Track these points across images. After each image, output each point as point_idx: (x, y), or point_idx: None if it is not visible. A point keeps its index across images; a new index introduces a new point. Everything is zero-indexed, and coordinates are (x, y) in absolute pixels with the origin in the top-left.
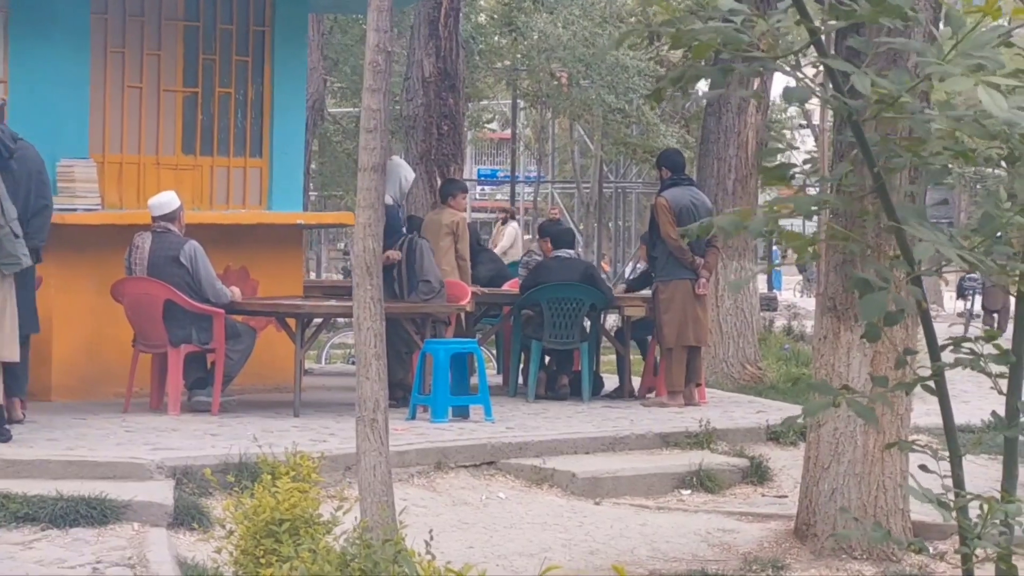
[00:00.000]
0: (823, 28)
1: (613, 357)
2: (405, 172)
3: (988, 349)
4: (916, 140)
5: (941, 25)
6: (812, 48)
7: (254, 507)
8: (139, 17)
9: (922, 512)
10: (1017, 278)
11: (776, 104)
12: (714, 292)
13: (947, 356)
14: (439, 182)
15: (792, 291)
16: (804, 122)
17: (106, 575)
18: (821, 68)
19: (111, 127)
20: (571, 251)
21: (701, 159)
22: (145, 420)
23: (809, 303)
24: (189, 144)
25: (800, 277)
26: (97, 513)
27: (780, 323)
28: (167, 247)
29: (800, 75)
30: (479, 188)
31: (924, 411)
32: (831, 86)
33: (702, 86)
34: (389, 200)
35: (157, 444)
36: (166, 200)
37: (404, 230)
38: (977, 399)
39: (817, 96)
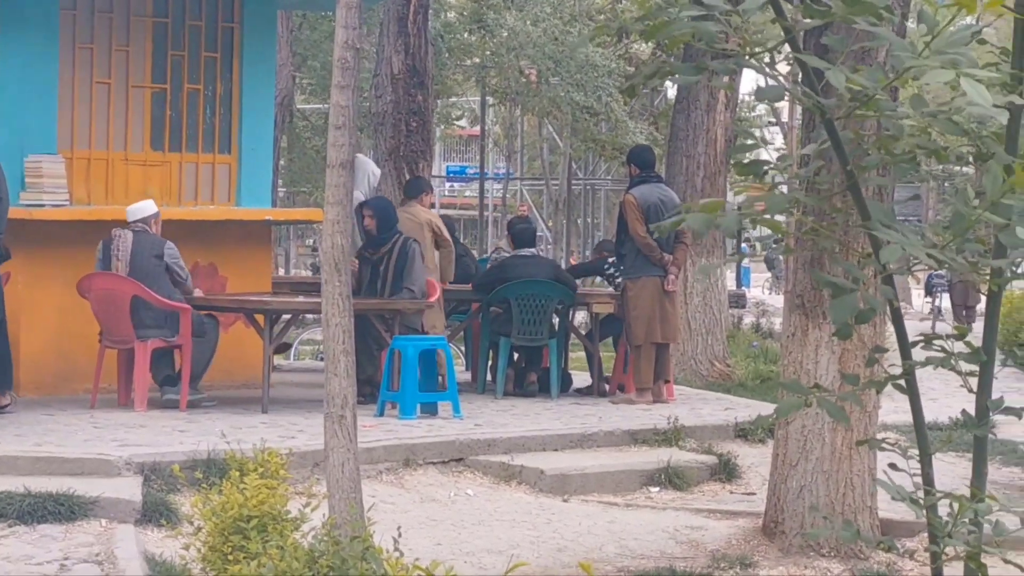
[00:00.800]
0: (797, 26)
1: (583, 354)
2: (372, 168)
3: (959, 347)
4: (888, 138)
5: (910, 23)
6: (784, 45)
7: (222, 504)
8: (108, 13)
9: (890, 510)
10: (987, 276)
11: (745, 101)
12: (683, 289)
13: (917, 354)
14: (408, 179)
15: (761, 288)
16: (773, 119)
17: (74, 572)
18: (793, 65)
19: (79, 123)
20: (532, 249)
21: (670, 156)
22: (113, 416)
23: (778, 300)
24: (158, 140)
25: (769, 274)
26: (65, 509)
27: (749, 320)
28: (149, 244)
29: (773, 72)
30: (448, 184)
31: (892, 408)
32: (804, 84)
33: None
34: (359, 196)
35: (125, 440)
36: (142, 206)
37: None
38: (944, 396)
39: (790, 94)
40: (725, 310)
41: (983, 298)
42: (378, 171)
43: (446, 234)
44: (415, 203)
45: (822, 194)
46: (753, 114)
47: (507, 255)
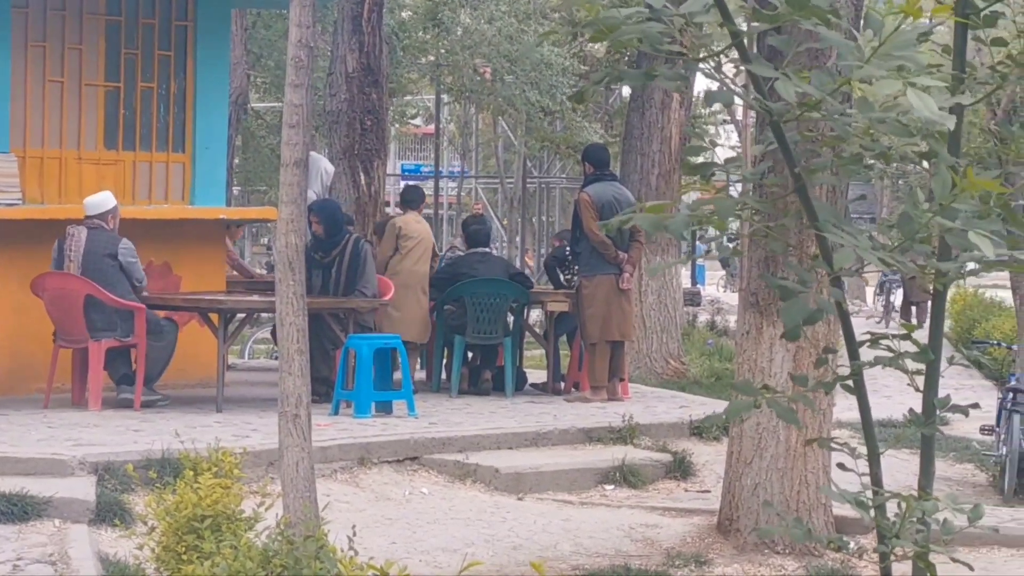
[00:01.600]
0: (746, 31)
1: (538, 352)
2: (325, 165)
3: (906, 346)
4: (836, 139)
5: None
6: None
7: (176, 503)
8: (60, 11)
9: (845, 507)
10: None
11: (700, 99)
12: (638, 287)
13: (866, 353)
14: (362, 177)
15: (716, 286)
16: (727, 118)
17: (27, 572)
18: (743, 68)
19: (32, 121)
20: (486, 249)
21: (624, 155)
22: (67, 416)
23: (732, 298)
24: (111, 139)
25: (723, 272)
26: (18, 510)
27: (704, 318)
28: (103, 242)
29: (722, 76)
30: (403, 183)
31: (847, 405)
32: (753, 87)
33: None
34: (313, 195)
35: (79, 440)
36: (101, 200)
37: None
38: (899, 394)
39: (739, 98)
40: (680, 308)
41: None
42: (332, 169)
43: None
44: (414, 212)
45: (771, 196)
46: (708, 111)
47: (461, 254)
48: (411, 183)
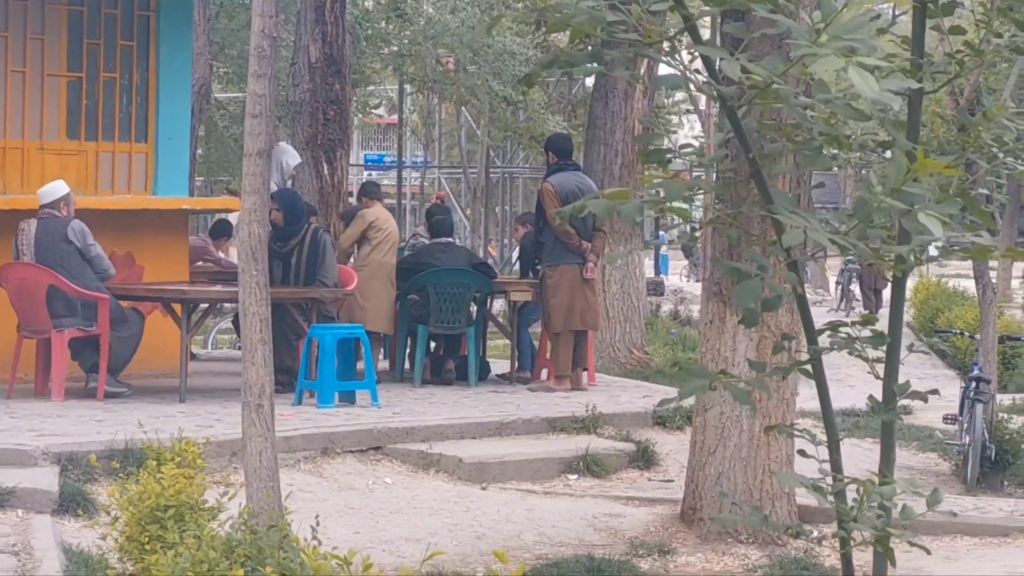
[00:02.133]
0: (696, 14)
1: (503, 342)
2: (288, 157)
3: (864, 332)
4: (792, 127)
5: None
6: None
7: (139, 493)
8: (22, 1)
9: (808, 496)
10: (891, 263)
11: (663, 89)
12: (601, 277)
13: (825, 341)
14: (325, 167)
15: (679, 276)
16: (691, 107)
17: None
18: (696, 54)
19: None
20: (449, 239)
21: (588, 145)
22: (30, 406)
23: (695, 288)
24: (74, 129)
25: (687, 262)
26: None
27: (667, 308)
28: (53, 228)
29: (675, 60)
30: (366, 173)
31: (811, 395)
32: (707, 72)
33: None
34: (273, 186)
35: (42, 430)
36: (52, 188)
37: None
38: (862, 383)
39: (690, 82)
40: (643, 298)
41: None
42: (296, 160)
43: None
44: (376, 203)
45: (727, 182)
46: (671, 101)
47: (425, 242)
48: (368, 180)
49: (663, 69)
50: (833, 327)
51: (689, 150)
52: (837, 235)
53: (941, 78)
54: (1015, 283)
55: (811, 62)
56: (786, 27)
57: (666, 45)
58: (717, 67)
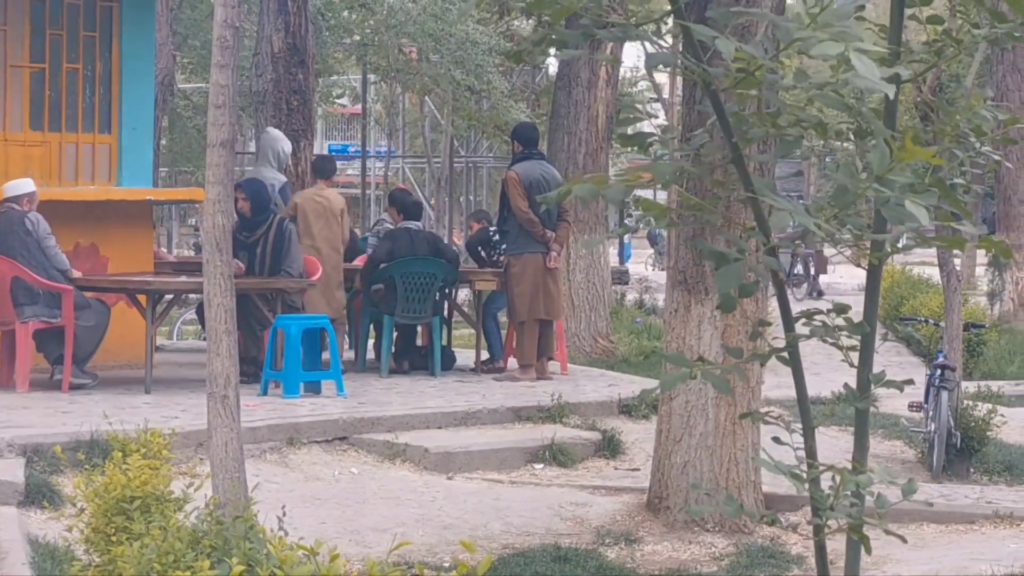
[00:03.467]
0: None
1: (467, 331)
2: (282, 144)
3: (839, 321)
4: (773, 115)
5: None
6: (671, 17)
7: (105, 484)
8: None
9: (773, 484)
10: (867, 250)
11: (626, 78)
12: (566, 266)
13: (800, 329)
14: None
15: (644, 264)
16: (655, 96)
17: None
18: (678, 38)
19: None
20: (418, 223)
21: (552, 133)
22: None
23: (660, 276)
24: (37, 120)
25: (651, 251)
26: None
27: (632, 296)
28: (11, 220)
29: (662, 43)
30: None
31: (775, 383)
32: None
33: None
34: (270, 175)
35: (7, 422)
36: (19, 184)
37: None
38: (828, 371)
39: (683, 61)
40: (608, 286)
41: (829, 269)
42: (289, 147)
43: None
44: (323, 184)
45: (706, 166)
46: (635, 90)
47: (390, 226)
48: (324, 155)
49: (628, 57)
50: (808, 315)
51: (671, 136)
52: (820, 220)
53: (918, 67)
54: (979, 271)
55: (810, 47)
56: (764, 19)
57: (651, 28)
58: (700, 49)
